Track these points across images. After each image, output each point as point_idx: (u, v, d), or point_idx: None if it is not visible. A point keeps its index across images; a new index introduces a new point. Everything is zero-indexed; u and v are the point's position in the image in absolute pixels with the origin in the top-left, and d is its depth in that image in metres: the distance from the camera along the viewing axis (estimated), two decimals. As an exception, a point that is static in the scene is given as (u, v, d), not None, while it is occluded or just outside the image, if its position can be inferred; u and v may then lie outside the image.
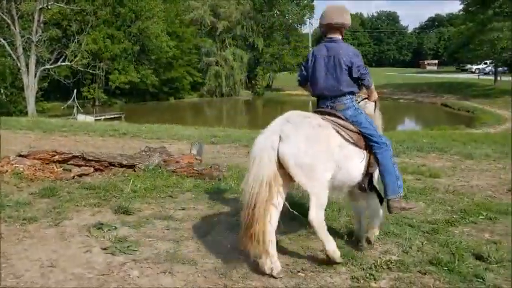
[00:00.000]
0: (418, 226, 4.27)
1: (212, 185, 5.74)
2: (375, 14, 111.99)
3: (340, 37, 3.74)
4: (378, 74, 67.11)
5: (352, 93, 3.66)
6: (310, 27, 70.73)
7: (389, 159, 3.56)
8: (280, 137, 3.21)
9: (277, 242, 3.81)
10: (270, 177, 3.16)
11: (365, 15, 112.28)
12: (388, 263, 3.40)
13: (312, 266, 3.40)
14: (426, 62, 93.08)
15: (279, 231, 4.09)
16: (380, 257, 3.53)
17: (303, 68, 3.84)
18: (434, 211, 4.79)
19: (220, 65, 56.34)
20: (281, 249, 3.68)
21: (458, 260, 3.41)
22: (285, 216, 4.54)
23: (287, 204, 3.44)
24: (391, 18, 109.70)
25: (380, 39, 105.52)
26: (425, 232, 4.12)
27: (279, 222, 3.40)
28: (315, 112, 3.65)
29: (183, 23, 52.29)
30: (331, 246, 3.37)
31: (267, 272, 3.22)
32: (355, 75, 3.57)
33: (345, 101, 3.62)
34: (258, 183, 3.13)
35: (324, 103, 3.69)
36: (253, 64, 61.18)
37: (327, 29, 3.73)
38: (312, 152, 3.20)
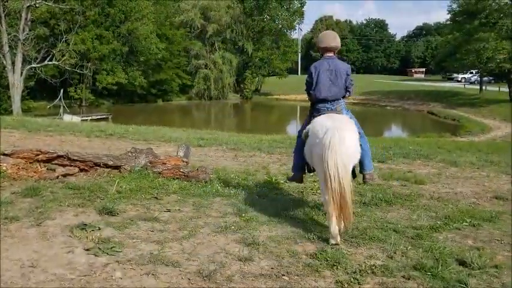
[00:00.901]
0: (402, 231, 4.30)
1: (198, 187, 5.71)
2: (364, 21, 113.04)
3: (334, 55, 4.81)
4: (366, 81, 67.73)
5: (344, 97, 4.76)
6: (299, 32, 71.19)
7: (367, 144, 4.81)
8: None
9: (262, 245, 3.81)
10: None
11: (354, 22, 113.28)
12: (373, 267, 3.41)
13: (296, 269, 3.39)
14: (413, 70, 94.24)
15: (265, 235, 4.10)
16: (365, 262, 3.54)
17: (308, 79, 4.82)
18: (419, 217, 4.82)
19: (209, 68, 56.29)
20: (266, 253, 3.68)
21: (441, 265, 3.43)
22: (272, 219, 4.55)
23: None
24: (380, 25, 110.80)
25: (368, 46, 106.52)
26: (409, 237, 4.15)
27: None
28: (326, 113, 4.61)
29: (173, 25, 52.22)
30: None
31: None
32: (347, 84, 4.70)
33: (340, 104, 4.71)
34: (342, 165, 3.93)
35: (325, 106, 4.66)
36: (242, 68, 61.27)
37: (324, 50, 4.79)
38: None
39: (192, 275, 3.22)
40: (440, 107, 42.97)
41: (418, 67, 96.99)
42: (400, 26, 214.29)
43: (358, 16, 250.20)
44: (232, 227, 4.24)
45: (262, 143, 11.40)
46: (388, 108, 49.62)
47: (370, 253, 3.77)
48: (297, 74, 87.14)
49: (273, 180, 6.44)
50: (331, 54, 4.75)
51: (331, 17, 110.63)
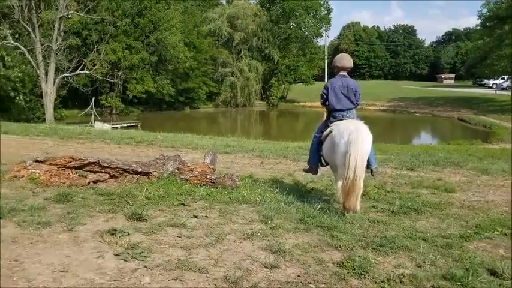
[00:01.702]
0: (432, 240, 4.22)
1: (225, 194, 5.75)
2: (392, 27, 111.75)
3: (347, 74, 5.94)
4: (394, 87, 66.81)
5: (354, 108, 5.87)
6: (326, 39, 70.89)
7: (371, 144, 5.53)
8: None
9: (288, 253, 3.80)
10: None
11: (382, 28, 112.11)
12: (401, 276, 3.35)
13: (323, 277, 3.37)
14: (443, 75, 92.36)
15: (291, 242, 4.09)
16: (393, 271, 3.49)
17: (324, 93, 5.91)
18: (448, 226, 4.73)
19: (236, 76, 56.69)
20: (292, 260, 3.67)
21: (472, 275, 3.35)
22: (299, 227, 4.54)
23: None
24: (408, 31, 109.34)
25: (397, 52, 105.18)
26: (439, 247, 4.06)
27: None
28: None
29: (201, 34, 52.91)
30: None
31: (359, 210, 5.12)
32: (356, 98, 5.84)
33: (352, 113, 5.82)
34: (360, 158, 5.04)
35: (340, 114, 5.77)
36: (268, 75, 61.44)
37: (339, 69, 5.93)
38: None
39: (218, 281, 3.24)
40: (471, 113, 41.90)
41: (448, 73, 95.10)
42: (429, 31, 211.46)
43: (386, 22, 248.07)
44: (259, 234, 4.25)
45: (288, 150, 11.40)
46: (417, 114, 48.75)
47: (399, 262, 3.71)
48: (324, 81, 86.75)
49: (300, 187, 6.43)
50: (344, 73, 5.91)
51: (358, 23, 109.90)
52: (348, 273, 3.44)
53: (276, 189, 6.27)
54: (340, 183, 5.27)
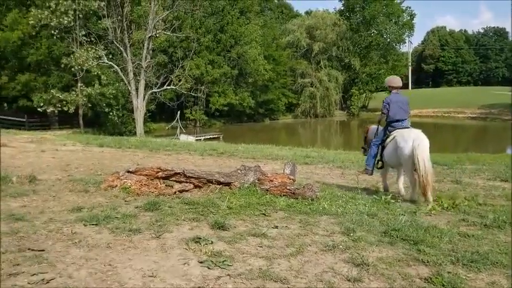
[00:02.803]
0: (532, 258, 3.85)
1: (305, 205, 5.72)
2: (481, 30, 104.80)
3: (399, 91, 7.45)
4: (484, 93, 62.36)
5: (408, 118, 7.24)
6: (409, 45, 68.23)
7: None
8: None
9: (372, 266, 3.68)
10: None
11: (469, 32, 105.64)
12: (497, 296, 3.10)
13: (409, 293, 3.21)
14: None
15: (374, 255, 3.96)
16: (487, 289, 3.24)
17: (387, 107, 7.17)
18: (553, 243, 4.28)
19: (315, 86, 56.47)
20: (376, 274, 3.54)
21: None
22: (382, 240, 4.38)
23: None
24: (499, 34, 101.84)
25: (487, 56, 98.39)
26: (541, 265, 3.70)
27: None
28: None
29: (279, 46, 53.57)
30: None
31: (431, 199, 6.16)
32: (408, 110, 7.24)
33: (407, 122, 7.18)
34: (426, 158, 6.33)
35: (398, 123, 7.08)
36: (348, 84, 60.45)
37: (393, 88, 7.41)
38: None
39: (300, 293, 3.21)
40: None
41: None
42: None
43: (474, 25, 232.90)
44: (340, 246, 4.16)
45: (371, 160, 11.05)
46: (513, 122, 44.99)
47: (493, 279, 3.43)
48: (408, 88, 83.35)
49: (383, 199, 6.21)
50: (396, 91, 7.40)
51: (443, 27, 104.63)
52: (437, 290, 3.25)
53: (358, 201, 6.11)
54: (402, 178, 7.14)
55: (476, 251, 3.98)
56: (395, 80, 7.53)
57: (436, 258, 3.85)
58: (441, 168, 10.10)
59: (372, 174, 7.68)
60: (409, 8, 61.06)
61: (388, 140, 7.07)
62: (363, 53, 59.82)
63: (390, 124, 7.17)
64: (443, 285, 3.28)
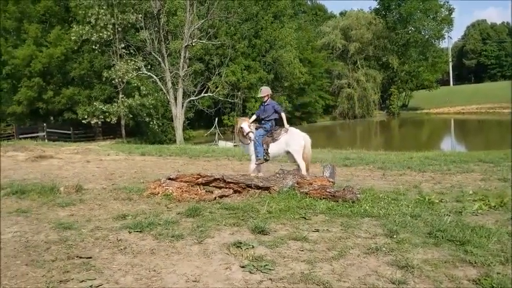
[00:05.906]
0: None
1: (346, 207, 5.65)
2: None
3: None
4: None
5: None
6: (449, 40, 66.21)
7: None
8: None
9: (417, 269, 3.58)
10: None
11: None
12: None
13: (457, 297, 3.11)
14: None
15: (419, 257, 3.85)
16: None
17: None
18: None
19: (352, 87, 55.78)
20: (421, 277, 3.45)
21: None
22: (427, 241, 4.27)
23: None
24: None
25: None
26: None
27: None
28: None
29: (315, 49, 53.28)
30: None
31: None
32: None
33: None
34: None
35: None
36: (386, 84, 59.34)
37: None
38: None
39: (343, 296, 3.18)
40: None
41: None
42: None
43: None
44: (383, 249, 4.08)
45: (413, 160, 10.81)
46: None
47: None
48: (449, 85, 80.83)
49: (426, 199, 6.04)
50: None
51: (484, 20, 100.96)
52: (487, 292, 3.13)
53: (401, 202, 5.97)
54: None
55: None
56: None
57: (484, 259, 3.72)
58: (487, 166, 9.72)
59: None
60: (447, 2, 59.21)
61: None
62: (401, 50, 58.53)
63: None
64: (492, 287, 3.16)
